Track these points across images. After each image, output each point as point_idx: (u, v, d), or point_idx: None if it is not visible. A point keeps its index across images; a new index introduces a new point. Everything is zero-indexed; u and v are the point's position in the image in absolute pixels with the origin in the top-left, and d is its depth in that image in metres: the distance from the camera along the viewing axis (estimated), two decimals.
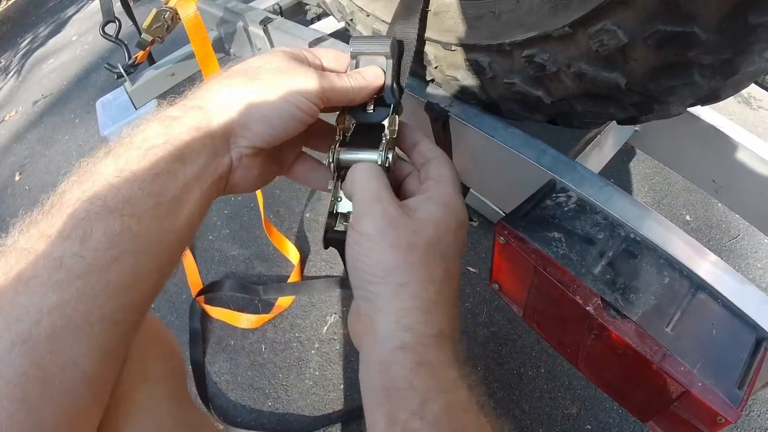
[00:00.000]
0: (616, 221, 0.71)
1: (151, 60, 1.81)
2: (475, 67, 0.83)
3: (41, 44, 4.76)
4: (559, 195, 0.76)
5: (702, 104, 0.69)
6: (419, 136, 0.68)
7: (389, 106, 0.68)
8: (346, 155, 0.64)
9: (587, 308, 0.64)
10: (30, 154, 2.84)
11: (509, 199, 0.84)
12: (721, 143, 0.96)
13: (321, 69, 0.65)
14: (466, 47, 0.81)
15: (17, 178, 2.76)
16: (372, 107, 0.68)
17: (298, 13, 1.80)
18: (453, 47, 0.83)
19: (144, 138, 0.53)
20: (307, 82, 0.58)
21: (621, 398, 0.72)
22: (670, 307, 0.62)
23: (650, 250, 0.68)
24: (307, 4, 1.77)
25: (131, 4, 2.24)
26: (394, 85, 0.69)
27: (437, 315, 0.54)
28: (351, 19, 1.04)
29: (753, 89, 2.30)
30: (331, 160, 0.64)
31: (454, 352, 0.54)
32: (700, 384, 0.57)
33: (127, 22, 1.74)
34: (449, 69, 0.88)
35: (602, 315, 0.63)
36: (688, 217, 1.80)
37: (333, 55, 0.69)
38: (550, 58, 0.71)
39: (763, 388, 0.66)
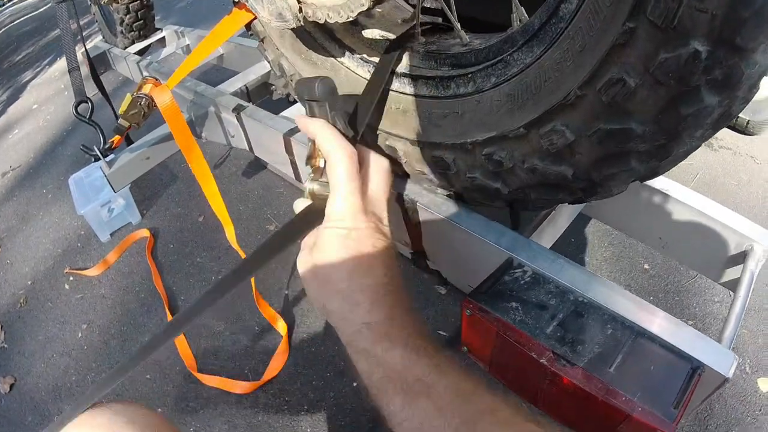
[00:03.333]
0: (566, 288, 0.82)
1: (128, 141, 1.83)
2: (441, 164, 0.90)
3: (2, 112, 4.73)
4: (515, 270, 0.87)
5: (641, 181, 0.78)
6: (315, 135, 0.81)
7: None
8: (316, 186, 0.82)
9: (541, 360, 0.75)
10: (7, 228, 2.82)
11: (475, 276, 0.91)
12: (665, 204, 1.06)
13: None
14: (433, 145, 0.89)
15: None
16: None
17: (264, 93, 1.84)
18: (421, 145, 0.91)
19: None
20: None
21: (577, 427, 0.81)
22: (612, 352, 0.74)
23: (595, 308, 0.79)
24: (272, 84, 1.83)
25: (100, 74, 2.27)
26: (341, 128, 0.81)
27: (352, 316, 0.71)
28: None
29: None
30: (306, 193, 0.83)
31: (384, 329, 0.70)
32: (639, 408, 0.67)
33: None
34: (418, 164, 0.95)
35: (554, 365, 0.74)
36: (646, 266, 1.89)
37: None
38: (506, 156, 0.80)
39: (699, 404, 0.78)
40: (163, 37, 2.75)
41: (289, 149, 1.31)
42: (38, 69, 5.62)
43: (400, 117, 0.92)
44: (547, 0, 0.71)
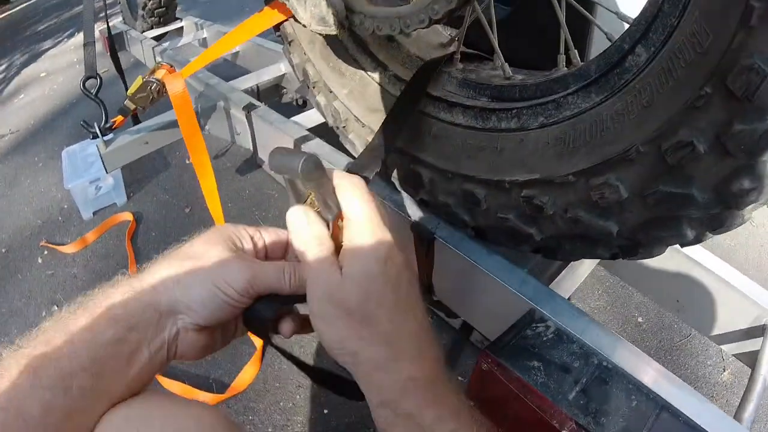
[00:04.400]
0: (590, 350, 0.74)
1: (135, 120, 1.75)
2: (470, 198, 0.82)
3: (16, 74, 4.63)
4: (538, 325, 0.78)
5: (682, 247, 0.70)
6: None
7: None
8: None
9: (563, 431, 0.66)
10: None
11: (491, 324, 0.83)
12: (685, 266, 0.99)
13: (263, 250, 0.67)
14: (464, 177, 0.81)
15: None
16: None
17: (274, 95, 1.76)
18: (450, 175, 0.81)
19: (108, 308, 0.58)
20: (236, 277, 0.59)
21: None
22: (637, 427, 0.66)
23: (620, 376, 0.71)
24: (284, 88, 1.74)
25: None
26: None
27: (396, 367, 0.56)
28: (344, 126, 1.01)
29: None
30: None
31: (432, 391, 0.57)
32: None
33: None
34: (443, 195, 0.87)
35: None
36: (640, 319, 1.75)
37: (274, 237, 0.68)
38: (548, 201, 0.72)
39: None
40: (182, 27, 2.66)
41: None
42: (57, 40, 5.48)
43: (430, 142, 0.84)
44: (609, 49, 0.66)
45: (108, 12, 2.70)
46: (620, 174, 0.64)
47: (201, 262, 0.60)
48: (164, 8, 2.58)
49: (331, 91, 1.01)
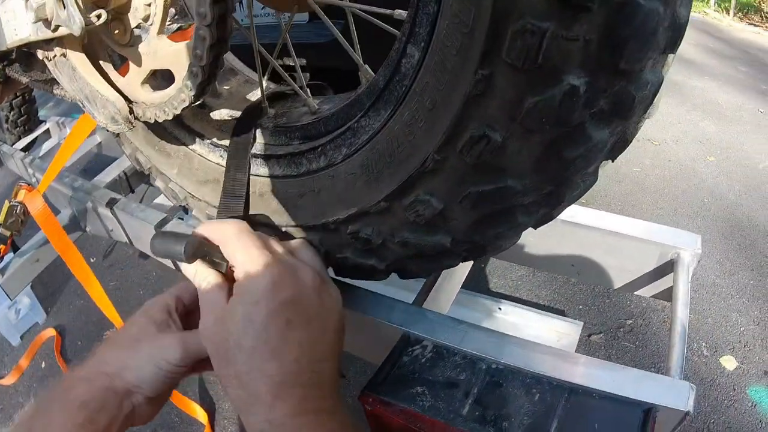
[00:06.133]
0: (475, 357, 0.67)
1: (15, 246, 1.63)
2: None
3: None
4: (414, 348, 0.71)
5: (535, 228, 0.65)
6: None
7: None
8: None
9: None
10: None
11: (375, 353, 0.76)
12: (570, 231, 0.94)
13: (185, 310, 0.68)
14: (296, 228, 0.74)
15: None
16: None
17: (144, 178, 1.64)
18: (283, 228, 0.75)
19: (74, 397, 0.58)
20: (172, 352, 0.61)
21: None
22: (546, 420, 0.59)
23: (514, 374, 0.65)
24: None
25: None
26: None
27: (252, 410, 0.55)
28: (186, 204, 0.93)
29: None
30: None
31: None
32: None
33: None
34: None
35: None
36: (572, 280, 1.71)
37: (191, 294, 0.69)
38: (373, 232, 0.65)
39: None
40: (48, 129, 2.47)
41: None
42: None
43: (258, 201, 0.77)
44: (390, 55, 0.58)
45: None
46: (426, 187, 0.56)
47: (140, 344, 0.63)
48: (25, 116, 2.41)
49: (163, 174, 0.92)
